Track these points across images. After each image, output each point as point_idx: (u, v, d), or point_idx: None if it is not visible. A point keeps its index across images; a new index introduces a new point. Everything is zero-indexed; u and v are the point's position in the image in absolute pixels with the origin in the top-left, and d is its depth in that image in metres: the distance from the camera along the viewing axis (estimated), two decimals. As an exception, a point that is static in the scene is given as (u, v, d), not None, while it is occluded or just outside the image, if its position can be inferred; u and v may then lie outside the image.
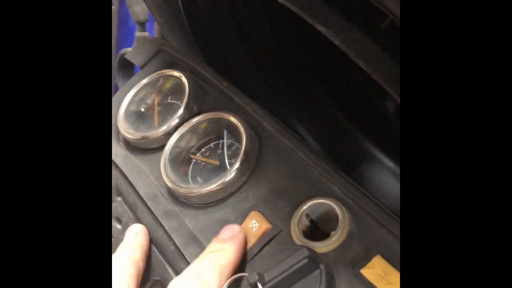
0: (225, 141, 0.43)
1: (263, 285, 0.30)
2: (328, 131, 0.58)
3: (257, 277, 0.30)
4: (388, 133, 0.59)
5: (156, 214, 0.40)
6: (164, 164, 0.42)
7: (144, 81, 0.49)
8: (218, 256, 0.33)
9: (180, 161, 0.44)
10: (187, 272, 0.32)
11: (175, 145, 0.43)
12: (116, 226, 0.44)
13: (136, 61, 0.52)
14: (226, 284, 0.32)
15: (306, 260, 0.30)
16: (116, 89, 0.73)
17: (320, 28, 0.30)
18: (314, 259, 0.30)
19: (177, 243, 0.38)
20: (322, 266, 0.30)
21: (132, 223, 0.43)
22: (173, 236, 0.38)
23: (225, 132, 0.43)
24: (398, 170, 0.58)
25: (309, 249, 0.31)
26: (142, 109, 0.49)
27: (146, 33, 0.70)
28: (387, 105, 0.59)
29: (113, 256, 0.36)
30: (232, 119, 0.42)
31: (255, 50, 0.54)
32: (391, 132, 0.58)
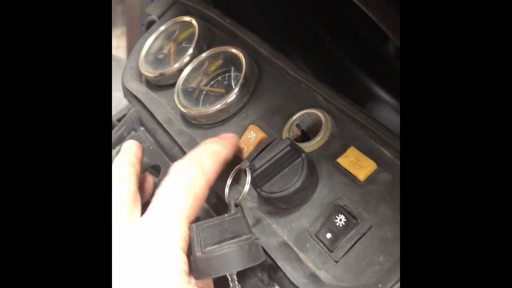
0: (232, 74, 0.49)
1: (253, 172, 0.36)
2: (332, 71, 0.62)
3: (248, 163, 0.36)
4: (389, 73, 0.63)
5: (171, 133, 0.46)
6: (177, 92, 0.48)
7: (161, 28, 0.56)
8: (214, 145, 0.37)
9: (192, 93, 0.50)
10: (186, 156, 0.36)
11: (187, 77, 0.49)
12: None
13: (155, 12, 0.59)
14: (231, 175, 0.38)
15: (288, 148, 0.35)
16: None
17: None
18: (296, 148, 0.36)
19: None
20: (303, 154, 0.36)
21: (153, 147, 0.50)
22: (185, 149, 0.45)
23: (231, 66, 0.49)
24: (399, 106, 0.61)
25: (291, 140, 0.36)
26: (161, 56, 0.56)
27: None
28: (388, 46, 0.62)
29: (113, 163, 0.39)
30: (234, 50, 0.47)
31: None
32: (392, 71, 0.62)
